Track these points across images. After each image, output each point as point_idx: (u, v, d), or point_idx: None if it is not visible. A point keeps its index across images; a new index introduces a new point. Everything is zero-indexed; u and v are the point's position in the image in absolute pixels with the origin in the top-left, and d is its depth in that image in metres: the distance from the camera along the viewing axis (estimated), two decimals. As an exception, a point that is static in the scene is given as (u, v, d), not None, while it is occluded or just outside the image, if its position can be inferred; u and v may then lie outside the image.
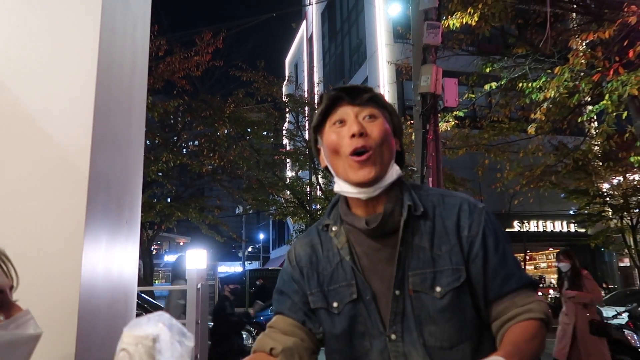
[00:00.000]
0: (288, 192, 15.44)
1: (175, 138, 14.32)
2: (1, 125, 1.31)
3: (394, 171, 1.08)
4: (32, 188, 1.29)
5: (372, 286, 1.06)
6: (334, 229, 1.14)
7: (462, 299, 1.03)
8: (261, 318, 11.43)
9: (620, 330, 7.07)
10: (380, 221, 1.05)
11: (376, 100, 1.11)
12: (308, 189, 15.78)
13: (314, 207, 15.82)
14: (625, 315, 7.53)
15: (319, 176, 14.87)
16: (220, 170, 14.78)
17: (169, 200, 15.98)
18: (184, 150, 15.21)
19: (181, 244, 38.17)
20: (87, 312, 1.28)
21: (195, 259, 3.19)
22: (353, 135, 1.05)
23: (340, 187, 1.10)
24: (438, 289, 1.02)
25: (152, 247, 18.09)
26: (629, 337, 7.01)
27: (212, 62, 13.15)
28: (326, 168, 1.14)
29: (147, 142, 13.16)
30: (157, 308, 6.00)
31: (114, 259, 1.58)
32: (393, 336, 1.03)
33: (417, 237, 1.06)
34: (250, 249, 41.64)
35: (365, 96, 1.09)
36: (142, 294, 6.39)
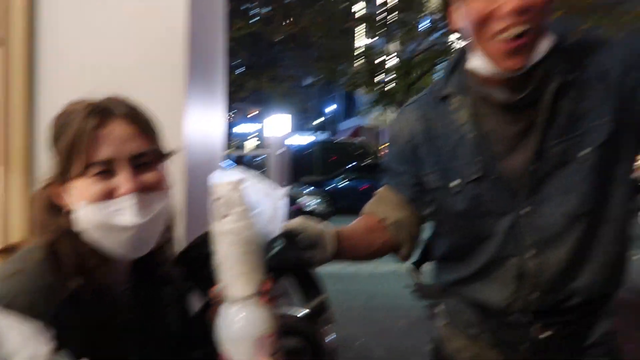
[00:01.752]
0: (358, 63, 14.91)
1: (248, 4, 13.89)
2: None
3: (546, 43, 0.89)
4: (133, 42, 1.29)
5: (500, 162, 0.96)
6: (456, 99, 0.99)
7: (608, 153, 0.91)
8: (330, 187, 11.90)
9: None
10: (528, 93, 0.90)
11: None
12: (383, 58, 15.10)
13: (385, 78, 15.29)
14: None
15: (395, 43, 14.14)
16: (292, 39, 14.40)
17: (242, 69, 16.07)
18: (258, 17, 14.80)
19: (253, 114, 39.18)
20: (191, 171, 1.34)
21: (276, 126, 3.24)
22: (510, 12, 0.83)
23: (479, 65, 0.92)
24: (583, 152, 0.91)
25: (228, 116, 18.74)
26: None
27: None
28: (458, 30, 0.96)
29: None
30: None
31: (208, 125, 1.62)
32: (527, 209, 0.95)
33: (560, 103, 0.91)
34: (320, 120, 42.06)
35: None
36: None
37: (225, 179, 0.76)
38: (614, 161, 0.93)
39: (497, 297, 1.00)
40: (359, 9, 16.33)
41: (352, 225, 1.08)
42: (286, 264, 0.89)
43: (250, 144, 35.43)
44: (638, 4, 9.86)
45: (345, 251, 0.98)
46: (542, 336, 0.99)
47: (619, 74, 0.90)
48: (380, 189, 1.13)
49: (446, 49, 13.80)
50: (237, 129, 39.44)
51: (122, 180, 0.76)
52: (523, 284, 0.97)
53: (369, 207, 1.12)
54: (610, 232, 0.95)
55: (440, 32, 13.80)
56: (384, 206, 1.10)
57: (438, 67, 14.94)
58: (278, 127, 3.04)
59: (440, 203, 1.04)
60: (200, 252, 0.86)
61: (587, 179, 0.92)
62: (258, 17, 14.44)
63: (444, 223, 1.08)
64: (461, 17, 0.92)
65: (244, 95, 15.74)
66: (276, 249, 0.87)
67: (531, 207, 0.95)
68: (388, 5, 14.24)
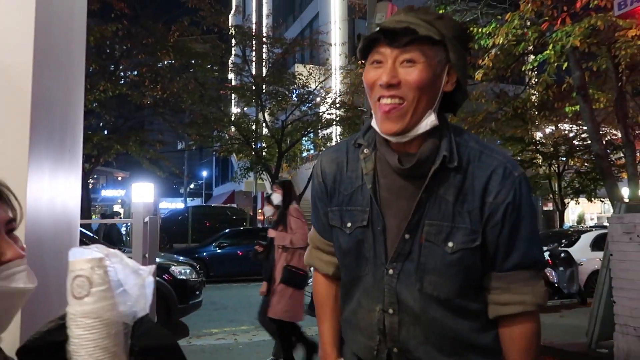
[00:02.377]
0: (233, 129, 15.11)
1: (113, 66, 13.43)
2: None
3: (429, 121, 1.02)
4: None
5: (385, 219, 1.07)
6: (365, 151, 1.12)
7: (471, 260, 1.03)
8: (204, 254, 11.49)
9: (542, 267, 7.73)
10: (412, 165, 1.03)
11: (422, 39, 1.00)
12: (254, 127, 15.51)
13: (259, 145, 15.65)
14: (546, 254, 8.21)
15: (266, 113, 14.61)
16: (162, 103, 14.12)
17: (106, 132, 15.24)
18: (123, 79, 14.34)
19: (119, 178, 36.96)
20: (32, 242, 1.21)
21: (142, 192, 3.09)
22: (382, 85, 1.00)
23: (373, 122, 1.07)
24: (450, 244, 1.02)
25: (89, 181, 17.38)
26: (548, 274, 7.69)
27: (154, -16, 12.18)
28: None
29: (83, 69, 12.24)
30: (96, 243, 5.85)
31: (57, 188, 1.49)
32: (391, 271, 1.06)
33: (443, 187, 1.03)
34: (192, 186, 41.03)
35: (406, 39, 0.99)
36: (81, 228, 6.17)
37: (85, 254, 0.72)
38: (472, 266, 1.04)
39: (361, 348, 1.13)
40: (232, 76, 16.78)
41: (330, 324, 1.24)
42: (154, 346, 0.81)
43: (116, 210, 33.03)
44: (475, 88, 11.55)
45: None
46: None
47: (491, 202, 1.03)
48: (311, 232, 1.28)
49: (316, 120, 14.64)
50: (104, 194, 36.88)
51: (5, 246, 0.70)
52: (384, 339, 1.07)
53: (313, 261, 1.28)
54: (467, 324, 1.06)
55: (310, 104, 14.68)
56: (323, 257, 1.24)
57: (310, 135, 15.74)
58: (143, 194, 2.89)
59: (339, 240, 1.15)
60: (50, 341, 0.74)
61: (448, 268, 1.03)
62: (125, 80, 14.00)
63: (339, 258, 1.19)
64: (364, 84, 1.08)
65: (109, 159, 14.81)
66: (142, 331, 0.80)
67: (394, 270, 1.06)
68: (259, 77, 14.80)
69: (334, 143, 15.52)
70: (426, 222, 1.03)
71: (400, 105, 1.00)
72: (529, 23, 7.82)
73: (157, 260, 4.66)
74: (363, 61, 1.10)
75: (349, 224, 1.11)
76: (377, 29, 1.03)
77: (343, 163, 1.15)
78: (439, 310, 1.04)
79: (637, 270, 4.19)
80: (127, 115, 14.95)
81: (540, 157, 15.29)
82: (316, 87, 14.78)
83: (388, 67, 1.00)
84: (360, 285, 1.11)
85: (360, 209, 1.10)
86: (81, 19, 1.75)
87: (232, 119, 15.17)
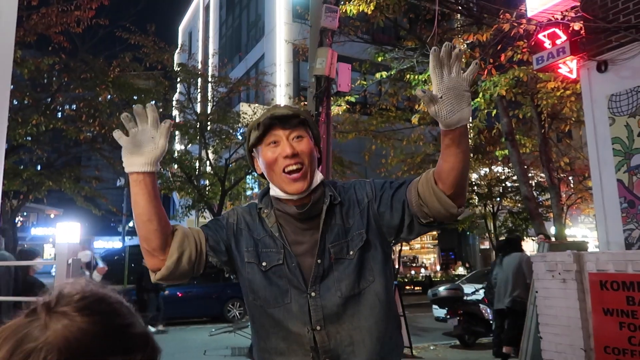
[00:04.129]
0: (175, 166, 14.82)
1: (49, 100, 12.92)
2: None
3: (318, 177, 1.38)
4: None
5: (297, 255, 1.34)
6: (265, 211, 1.41)
7: (367, 252, 1.35)
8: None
9: (477, 305, 7.96)
10: (308, 207, 1.35)
11: (302, 121, 1.37)
12: (197, 164, 15.29)
13: (202, 182, 15.40)
14: (481, 291, 8.48)
15: (209, 151, 14.48)
16: (100, 139, 13.67)
17: (38, 167, 14.50)
18: (59, 113, 13.82)
19: (52, 216, 34.98)
20: None
21: (67, 232, 2.95)
22: (287, 156, 1.32)
23: (276, 192, 1.37)
24: (351, 252, 1.34)
25: (17, 219, 16.34)
26: (483, 311, 7.93)
27: (95, 19, 11.89)
28: (262, 174, 1.42)
29: (15, 102, 11.71)
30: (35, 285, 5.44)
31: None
32: (313, 294, 1.32)
33: (333, 218, 1.38)
34: (131, 224, 39.45)
35: (294, 121, 1.35)
36: None
37: None
38: (370, 257, 1.36)
39: None
40: (176, 113, 16.58)
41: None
42: None
43: (48, 249, 31.08)
44: (413, 132, 12.06)
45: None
46: None
47: (366, 204, 1.40)
48: (193, 227, 1.42)
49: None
50: (34, 232, 34.61)
51: None
52: (317, 354, 1.29)
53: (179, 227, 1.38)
54: (381, 308, 1.34)
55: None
56: (183, 231, 1.36)
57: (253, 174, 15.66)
58: (68, 233, 2.76)
59: (253, 276, 1.37)
60: None
61: (354, 270, 1.33)
62: (61, 114, 13.50)
63: (253, 293, 1.37)
64: (261, 166, 1.39)
65: (40, 197, 14.02)
66: None
67: (315, 292, 1.32)
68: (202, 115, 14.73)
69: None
70: (329, 245, 1.34)
71: (302, 168, 1.33)
72: (461, 72, 8.33)
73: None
74: (252, 150, 1.42)
75: (264, 263, 1.36)
76: (268, 117, 1.34)
77: (255, 216, 1.44)
78: (355, 306, 1.32)
79: (561, 307, 4.42)
80: (62, 150, 14.34)
81: (476, 197, 15.99)
82: (261, 126, 14.85)
83: (286, 143, 1.33)
84: (286, 314, 1.32)
85: (274, 251, 1.36)
86: (6, 50, 1.72)
87: (175, 155, 14.89)
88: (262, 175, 1.42)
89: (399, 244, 17.29)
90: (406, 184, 1.36)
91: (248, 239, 1.40)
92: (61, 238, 2.79)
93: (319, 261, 1.32)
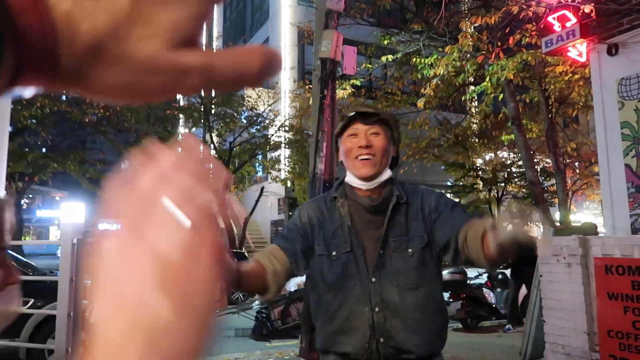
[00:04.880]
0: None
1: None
2: None
3: (387, 173, 1.59)
4: None
5: (363, 244, 1.54)
6: (340, 201, 1.60)
7: (425, 254, 1.53)
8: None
9: (480, 289, 7.99)
10: (380, 202, 1.56)
11: (381, 120, 1.58)
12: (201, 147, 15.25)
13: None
14: (485, 275, 8.49)
15: (214, 134, 14.46)
16: (105, 122, 13.67)
17: (43, 150, 14.54)
18: (64, 96, 13.79)
19: (57, 198, 35.18)
20: None
21: (72, 212, 2.96)
22: (361, 147, 1.55)
23: (349, 178, 1.60)
24: (409, 250, 1.53)
25: (22, 201, 16.45)
26: (487, 295, 7.95)
27: None
28: (341, 162, 1.63)
29: (19, 84, 11.64)
30: (25, 266, 5.50)
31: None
32: (374, 279, 1.50)
33: (398, 215, 1.56)
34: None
35: (374, 119, 1.58)
36: (8, 251, 5.78)
37: None
38: (427, 259, 1.54)
39: (356, 345, 1.49)
40: (180, 97, 16.51)
41: (248, 266, 1.49)
42: None
43: (53, 231, 31.33)
44: (418, 116, 11.96)
45: (240, 282, 1.42)
46: None
47: (427, 213, 1.57)
48: (272, 245, 1.60)
49: (265, 142, 14.64)
50: (40, 214, 34.83)
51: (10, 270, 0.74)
52: (374, 332, 1.47)
53: (259, 256, 1.55)
54: (434, 305, 1.53)
55: (258, 126, 14.67)
56: (268, 259, 1.53)
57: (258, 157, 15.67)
58: (73, 214, 2.76)
59: (323, 266, 1.56)
60: None
61: (413, 267, 1.51)
62: (64, 97, 13.48)
63: (323, 281, 1.56)
64: (341, 153, 1.62)
65: (45, 179, 14.09)
66: None
67: (376, 278, 1.51)
68: (207, 98, 14.67)
69: (282, 165, 15.55)
70: (391, 239, 1.53)
71: (373, 158, 1.54)
72: (468, 55, 8.25)
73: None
74: (337, 141, 1.63)
75: (334, 252, 1.55)
76: (353, 113, 1.59)
77: (324, 210, 1.63)
78: (412, 299, 1.49)
79: (565, 291, 4.42)
80: (67, 133, 14.36)
81: (480, 182, 15.94)
82: (265, 109, 14.82)
83: (363, 136, 1.56)
84: (350, 296, 1.51)
85: (342, 240, 1.56)
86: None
87: (179, 139, 14.85)
88: (341, 163, 1.63)
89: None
90: (462, 214, 1.54)
91: (318, 233, 1.60)
92: (66, 218, 2.79)
93: (381, 252, 1.52)
